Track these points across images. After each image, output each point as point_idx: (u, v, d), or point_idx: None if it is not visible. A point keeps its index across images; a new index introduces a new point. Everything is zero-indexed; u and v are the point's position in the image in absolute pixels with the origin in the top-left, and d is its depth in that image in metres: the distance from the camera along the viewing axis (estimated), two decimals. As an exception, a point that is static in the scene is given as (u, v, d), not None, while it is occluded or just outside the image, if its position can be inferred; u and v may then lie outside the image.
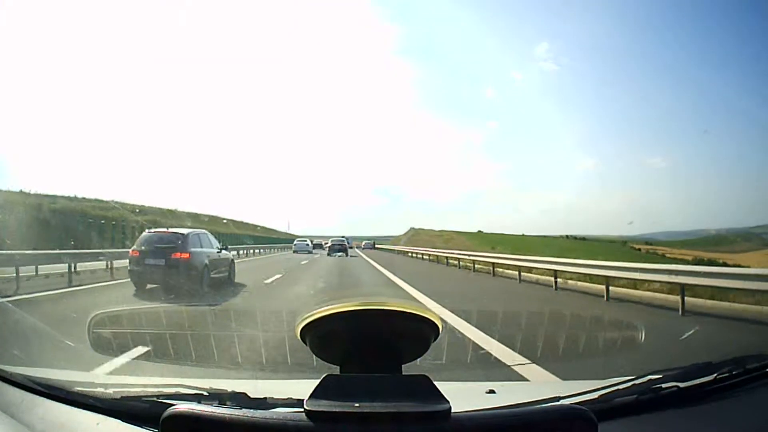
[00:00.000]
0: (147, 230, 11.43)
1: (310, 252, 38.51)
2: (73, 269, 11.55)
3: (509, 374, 3.59)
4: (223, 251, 12.17)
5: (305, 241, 43.92)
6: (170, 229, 11.43)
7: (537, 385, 2.66)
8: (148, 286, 9.99)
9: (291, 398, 1.14)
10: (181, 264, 10.04)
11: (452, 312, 6.16)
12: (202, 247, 10.97)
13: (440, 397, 0.90)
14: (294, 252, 38.10)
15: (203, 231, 12.04)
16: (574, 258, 12.19)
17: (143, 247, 10.31)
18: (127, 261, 10.67)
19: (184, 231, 11.08)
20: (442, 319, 1.06)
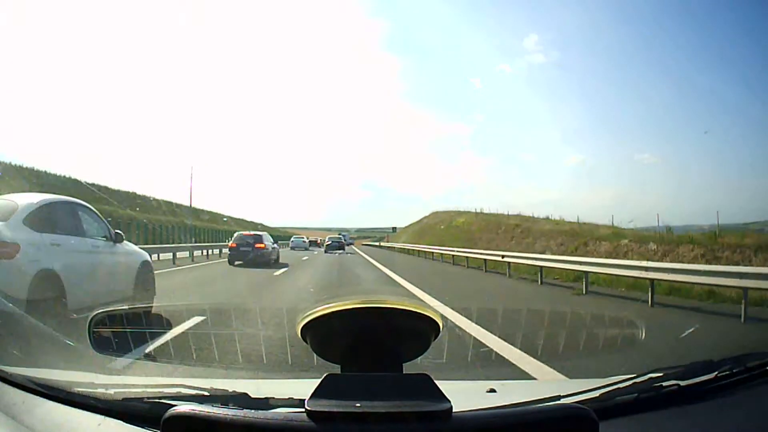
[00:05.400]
0: (237, 233, 20.36)
1: (306, 249, 39.16)
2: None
3: (510, 373, 3.60)
4: (275, 244, 21.31)
5: (302, 238, 45.36)
6: (252, 232, 20.73)
7: (538, 384, 2.67)
8: (236, 262, 18.40)
9: (292, 398, 1.13)
10: (261, 251, 18.85)
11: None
12: (268, 241, 19.90)
13: (441, 397, 0.90)
14: (291, 249, 38.47)
15: (266, 233, 21.46)
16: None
17: (238, 241, 19.28)
18: (227, 249, 20.57)
19: (260, 233, 20.51)
20: (442, 317, 1.06)
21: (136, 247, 7.53)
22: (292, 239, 45.10)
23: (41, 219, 5.67)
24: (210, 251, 26.23)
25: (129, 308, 2.93)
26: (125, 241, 7.05)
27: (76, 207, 6.47)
